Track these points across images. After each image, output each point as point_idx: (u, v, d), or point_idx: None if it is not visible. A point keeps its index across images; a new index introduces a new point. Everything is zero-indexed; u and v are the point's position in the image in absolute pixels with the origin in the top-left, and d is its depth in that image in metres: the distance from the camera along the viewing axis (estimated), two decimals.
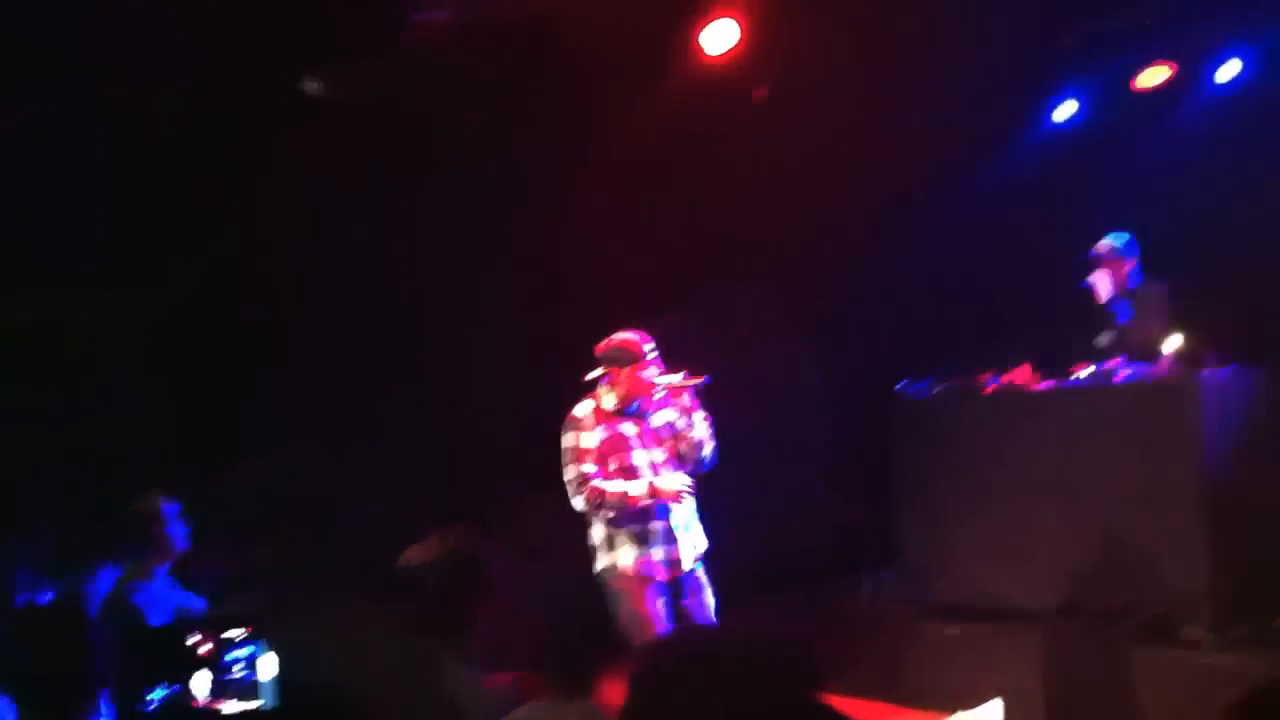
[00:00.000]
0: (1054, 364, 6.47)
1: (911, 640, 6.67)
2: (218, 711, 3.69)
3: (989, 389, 6.48)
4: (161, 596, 4.43)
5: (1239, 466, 5.68)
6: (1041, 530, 6.13)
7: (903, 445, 6.94)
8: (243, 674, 4.37)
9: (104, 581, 4.59)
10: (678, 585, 5.31)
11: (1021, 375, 6.38)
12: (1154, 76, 7.96)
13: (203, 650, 3.74)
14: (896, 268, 8.29)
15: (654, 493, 5.22)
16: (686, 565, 5.32)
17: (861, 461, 7.25)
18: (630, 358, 5.30)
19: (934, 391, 6.80)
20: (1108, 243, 6.65)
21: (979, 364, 6.73)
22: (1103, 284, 6.62)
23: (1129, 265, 6.63)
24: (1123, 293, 6.61)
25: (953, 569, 6.58)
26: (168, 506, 4.61)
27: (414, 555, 3.28)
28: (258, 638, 3.56)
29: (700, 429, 5.39)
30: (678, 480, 5.30)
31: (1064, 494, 6.04)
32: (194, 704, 3.73)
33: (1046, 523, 6.11)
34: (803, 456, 8.00)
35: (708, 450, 5.43)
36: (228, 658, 4.25)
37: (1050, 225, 8.04)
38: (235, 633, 4.20)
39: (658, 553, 5.26)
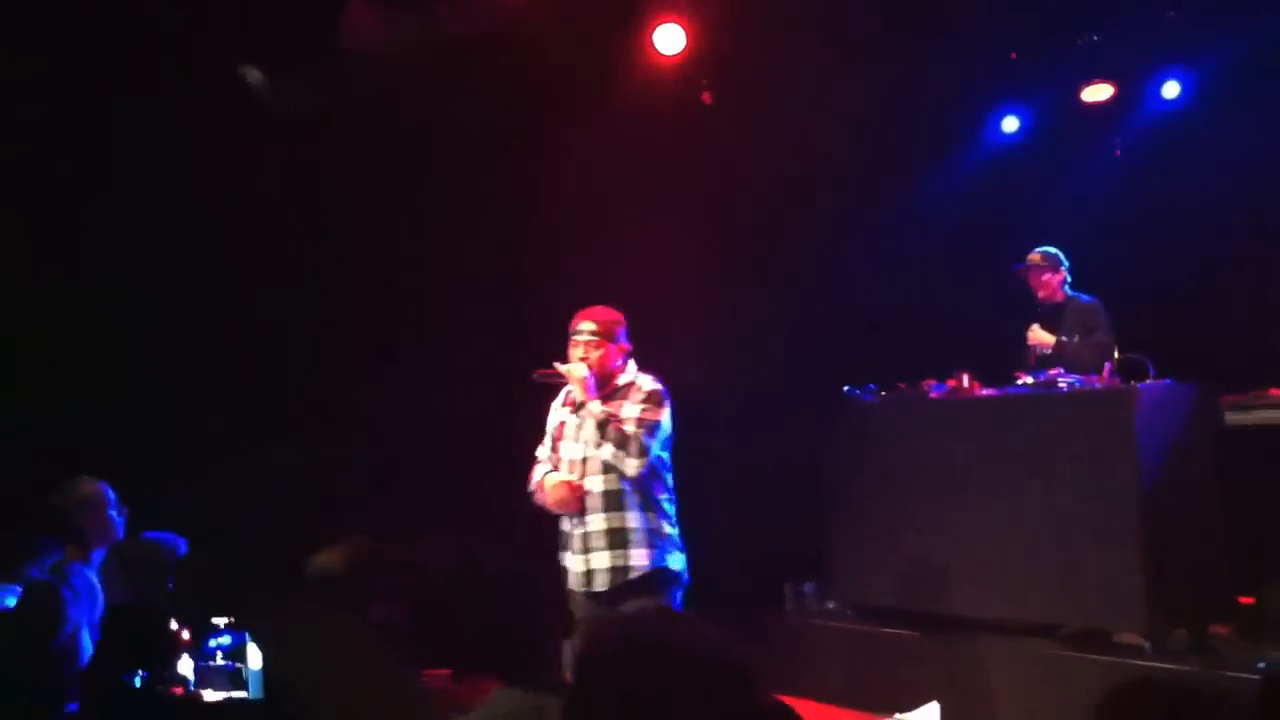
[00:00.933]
0: (992, 372, 6.53)
1: (842, 643, 6.71)
2: (199, 698, 3.60)
3: (933, 395, 6.49)
4: (90, 584, 4.30)
5: (1175, 477, 5.72)
6: (979, 536, 6.15)
7: (842, 450, 6.94)
8: (225, 663, 4.29)
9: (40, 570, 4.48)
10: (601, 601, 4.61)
11: (963, 382, 6.39)
12: (1097, 93, 8.06)
13: (183, 636, 3.65)
14: (839, 276, 8.32)
15: (545, 489, 4.71)
16: (599, 584, 4.59)
17: (799, 469, 7.22)
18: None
19: (879, 399, 6.81)
20: (1038, 253, 6.80)
21: (915, 373, 6.77)
22: (1039, 285, 6.79)
23: (1059, 276, 6.76)
24: (1052, 303, 6.75)
25: (886, 574, 6.59)
26: (101, 492, 4.47)
27: (320, 560, 3.20)
28: (239, 628, 3.48)
29: (617, 437, 4.58)
30: (564, 486, 4.66)
31: (1001, 500, 6.06)
32: (174, 690, 3.64)
33: (985, 529, 6.12)
34: (739, 465, 7.99)
35: (626, 465, 4.57)
36: (210, 645, 4.16)
37: (990, 236, 8.11)
38: (219, 620, 4.12)
39: (570, 560, 4.67)
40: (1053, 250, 6.84)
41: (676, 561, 4.65)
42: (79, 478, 4.53)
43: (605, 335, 4.72)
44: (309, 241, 6.87)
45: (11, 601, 4.45)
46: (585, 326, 4.72)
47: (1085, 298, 6.77)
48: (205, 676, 4.25)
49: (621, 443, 4.54)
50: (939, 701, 5.24)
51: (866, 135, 8.32)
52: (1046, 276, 6.79)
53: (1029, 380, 6.20)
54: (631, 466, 4.55)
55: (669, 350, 7.87)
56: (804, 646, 6.82)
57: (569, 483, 4.65)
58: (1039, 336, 6.71)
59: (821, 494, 7.02)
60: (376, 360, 7.11)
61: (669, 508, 4.69)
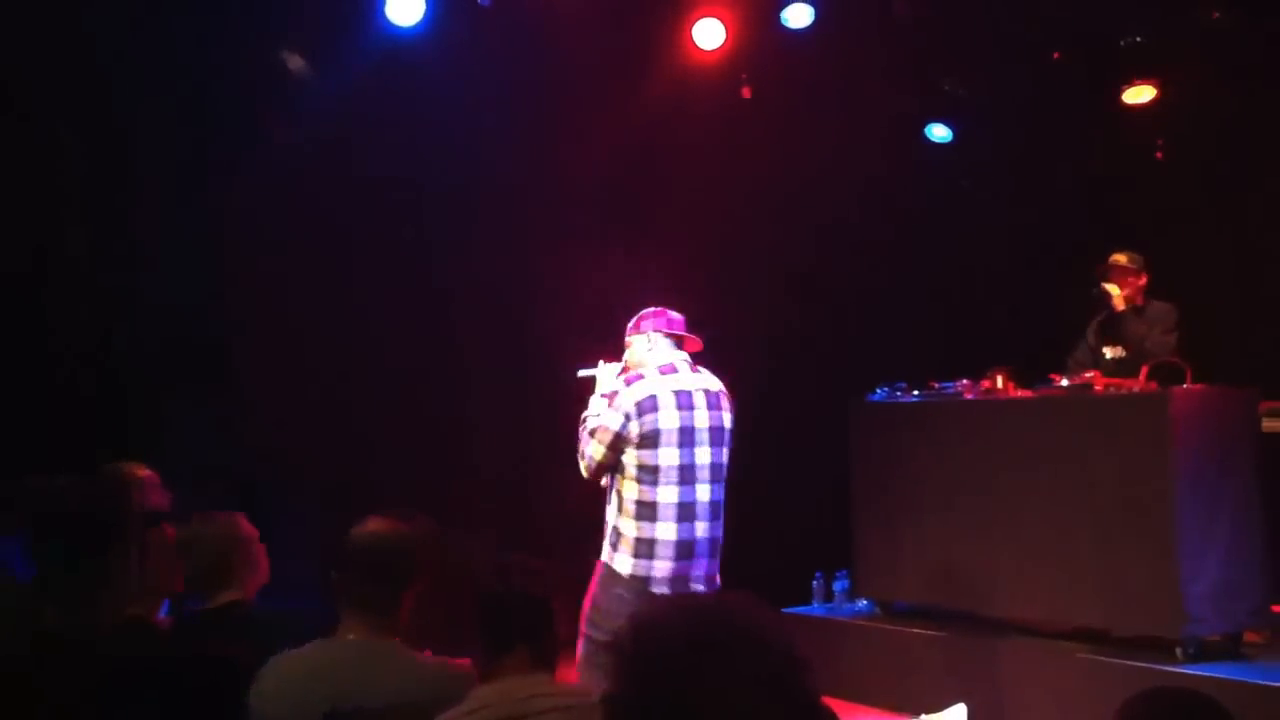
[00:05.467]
0: (1029, 373, 6.46)
1: (870, 641, 6.68)
2: None
3: (967, 395, 6.45)
4: None
5: (1211, 482, 5.66)
6: (1011, 538, 6.11)
7: (873, 448, 6.91)
8: None
9: None
10: None
11: (997, 382, 6.35)
12: None
13: None
14: (873, 272, 8.30)
15: None
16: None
17: (830, 465, 7.20)
18: None
19: (909, 398, 6.77)
20: (1124, 254, 6.62)
21: (948, 373, 6.73)
22: (1116, 294, 6.57)
23: (1143, 279, 6.61)
24: (1132, 307, 6.56)
25: (916, 573, 6.56)
26: None
27: (370, 528, 3.17)
28: None
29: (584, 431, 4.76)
30: None
31: (1034, 502, 6.02)
32: None
33: (1017, 530, 6.08)
34: (769, 461, 7.99)
35: (581, 460, 4.73)
36: None
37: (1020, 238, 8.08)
38: None
39: None
40: (1139, 254, 6.64)
41: (623, 564, 4.60)
42: None
43: (632, 330, 4.85)
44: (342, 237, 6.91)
45: None
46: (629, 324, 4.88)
47: (1161, 301, 6.56)
48: None
49: (579, 443, 4.74)
50: (966, 704, 5.24)
51: (906, 133, 8.32)
52: (1132, 278, 6.57)
53: (1064, 382, 6.14)
54: (580, 467, 4.73)
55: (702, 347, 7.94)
56: (831, 644, 6.79)
57: None
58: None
59: (852, 491, 6.98)
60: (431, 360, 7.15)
61: (633, 509, 4.60)
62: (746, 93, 7.80)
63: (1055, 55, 7.67)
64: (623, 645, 1.76)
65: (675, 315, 4.85)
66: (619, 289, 7.62)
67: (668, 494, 4.59)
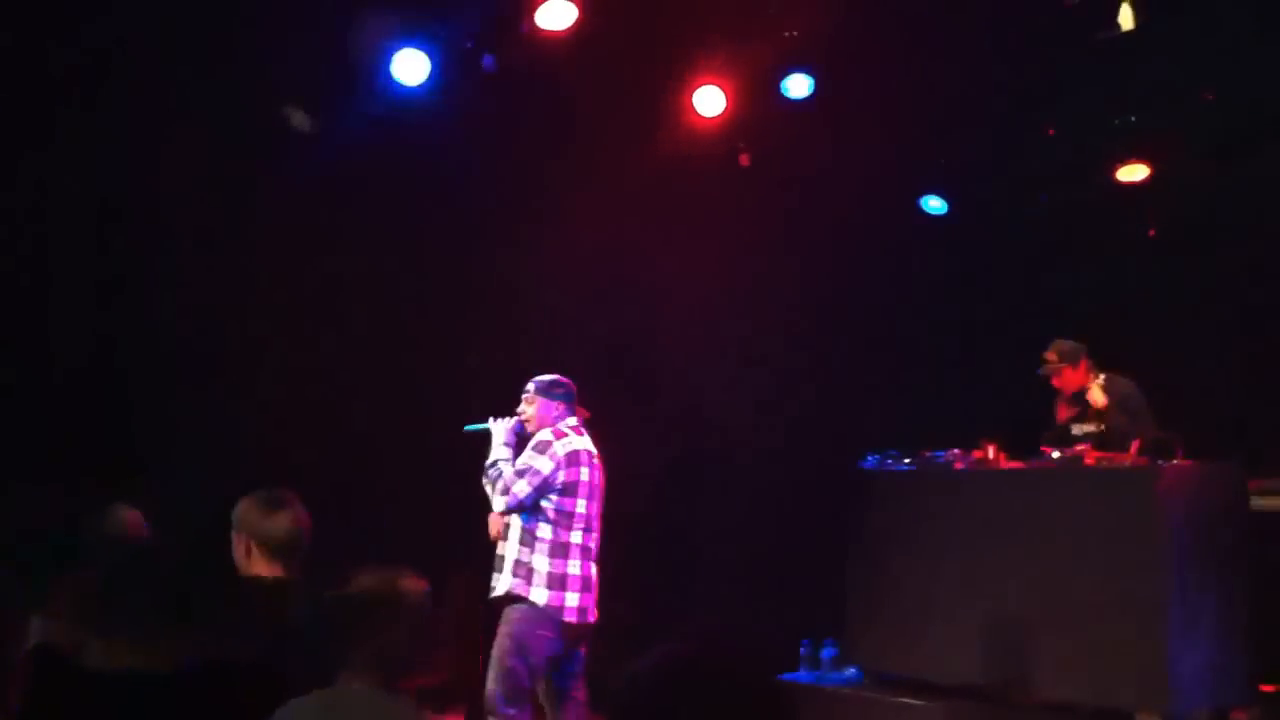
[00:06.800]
0: (1016, 445, 6.50)
1: (859, 712, 6.61)
2: None
3: (958, 465, 6.48)
4: None
5: (1200, 558, 5.68)
6: (1000, 610, 6.10)
7: (864, 515, 6.91)
8: None
9: None
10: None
11: (989, 453, 6.38)
12: None
13: None
14: (865, 336, 8.36)
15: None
16: (493, 594, 5.36)
17: (820, 532, 7.20)
18: None
19: (900, 466, 6.79)
20: (1053, 350, 6.62)
21: (938, 442, 6.75)
22: (1063, 384, 6.64)
23: (1081, 364, 6.60)
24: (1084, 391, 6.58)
25: (905, 642, 6.54)
26: None
27: (363, 583, 3.17)
28: None
29: (491, 478, 5.36)
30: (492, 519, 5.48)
31: (1023, 574, 6.02)
32: None
33: (1005, 602, 6.08)
34: (760, 525, 8.00)
35: (494, 503, 5.37)
36: None
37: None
38: None
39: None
40: (1068, 344, 6.63)
41: (539, 595, 5.22)
42: None
43: (541, 392, 5.51)
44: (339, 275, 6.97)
45: None
46: (528, 386, 5.54)
47: (1120, 379, 6.56)
48: None
49: (493, 482, 5.33)
50: None
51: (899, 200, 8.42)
52: (1068, 370, 6.60)
53: (1055, 454, 6.17)
54: (498, 504, 5.35)
55: (698, 407, 7.99)
56: (817, 712, 6.73)
57: (494, 515, 5.46)
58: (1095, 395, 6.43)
59: (842, 558, 6.97)
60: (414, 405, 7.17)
61: (547, 549, 5.26)
62: (745, 160, 7.89)
63: (1050, 132, 7.78)
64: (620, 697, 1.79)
65: (571, 384, 5.57)
66: (612, 348, 7.71)
67: (576, 537, 5.32)
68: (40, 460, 5.74)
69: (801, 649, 7.25)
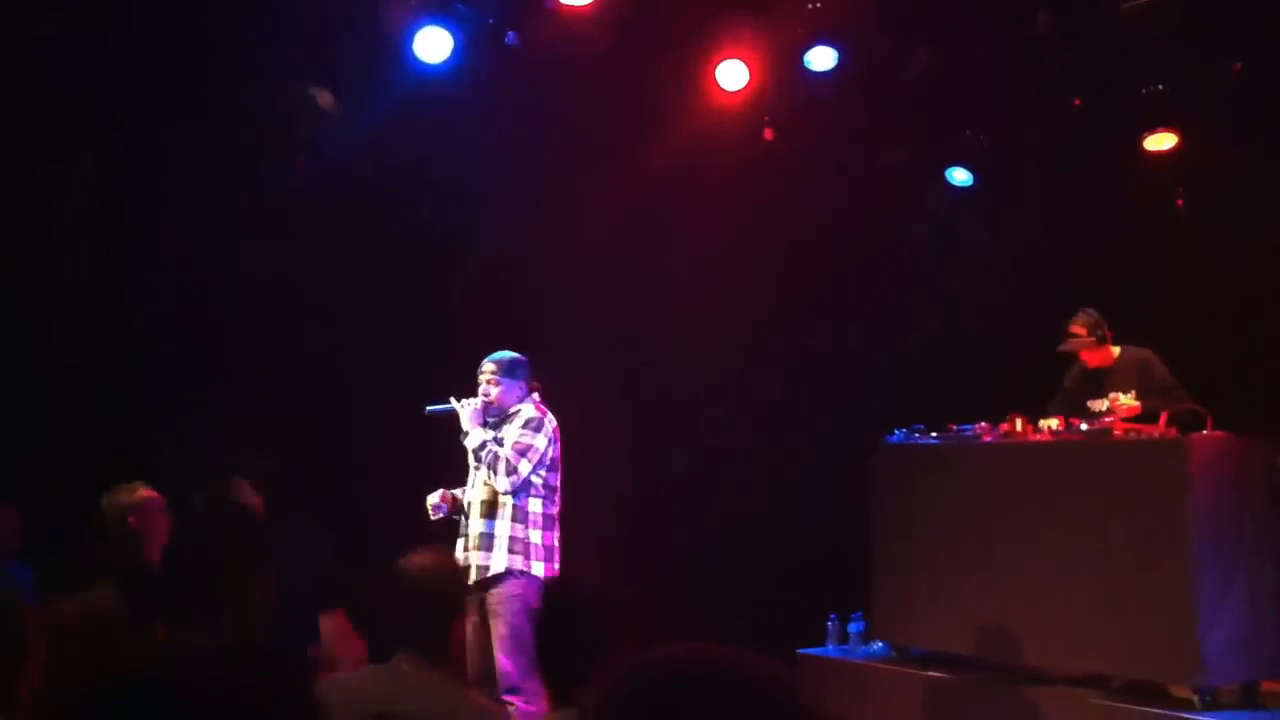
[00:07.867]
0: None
1: (886, 686, 6.64)
2: None
3: (986, 438, 6.45)
4: None
5: (1230, 530, 5.65)
6: (1028, 583, 6.09)
7: (890, 489, 6.90)
8: None
9: None
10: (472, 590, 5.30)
11: (1016, 425, 6.34)
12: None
13: None
14: (890, 312, 8.33)
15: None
16: (472, 577, 5.33)
17: (847, 506, 7.20)
18: None
19: (928, 440, 6.77)
20: (1079, 324, 6.56)
21: (964, 416, 6.71)
22: (1090, 358, 6.62)
23: (1108, 339, 6.57)
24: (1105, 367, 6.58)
25: (931, 617, 6.54)
26: None
27: (413, 565, 3.23)
28: None
29: (489, 459, 5.39)
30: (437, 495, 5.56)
31: (1052, 547, 6.00)
32: None
33: (1034, 575, 6.06)
34: (786, 501, 7.99)
35: (497, 483, 5.38)
36: None
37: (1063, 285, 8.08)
38: None
39: (459, 555, 5.43)
40: (1093, 315, 6.56)
41: (538, 568, 5.37)
42: None
43: (504, 373, 5.56)
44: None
45: None
46: (486, 366, 5.57)
47: (1137, 350, 6.55)
48: None
49: (492, 464, 5.37)
50: None
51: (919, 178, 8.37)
52: (1095, 347, 6.56)
53: (1084, 426, 6.13)
54: (501, 484, 5.38)
55: (720, 387, 7.99)
56: (845, 686, 6.77)
57: (442, 493, 5.56)
58: (1124, 403, 6.21)
59: (869, 532, 6.97)
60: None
61: (540, 521, 5.43)
62: (769, 134, 7.86)
63: (1076, 102, 7.70)
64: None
65: (527, 360, 5.66)
66: (639, 324, 7.70)
67: (554, 509, 5.52)
68: (39, 453, 5.75)
69: (829, 623, 7.27)
